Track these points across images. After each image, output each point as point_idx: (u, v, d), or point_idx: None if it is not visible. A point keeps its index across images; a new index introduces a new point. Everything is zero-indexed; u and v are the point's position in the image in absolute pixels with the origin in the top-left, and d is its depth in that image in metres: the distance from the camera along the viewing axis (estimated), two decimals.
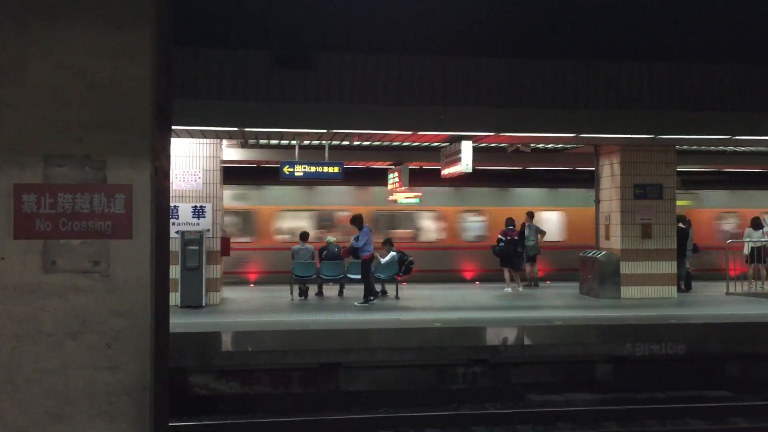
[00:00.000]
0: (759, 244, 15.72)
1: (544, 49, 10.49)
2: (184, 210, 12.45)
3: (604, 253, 14.15)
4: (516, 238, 15.29)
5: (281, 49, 10.21)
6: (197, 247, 12.11)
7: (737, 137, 12.87)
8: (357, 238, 13.32)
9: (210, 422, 8.44)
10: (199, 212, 12.43)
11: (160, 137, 4.09)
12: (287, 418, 8.52)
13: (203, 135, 12.15)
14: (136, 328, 3.80)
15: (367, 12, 8.86)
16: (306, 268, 13.89)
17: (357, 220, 13.46)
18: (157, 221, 3.94)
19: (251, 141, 14.21)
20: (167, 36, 4.28)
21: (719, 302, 13.79)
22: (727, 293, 14.67)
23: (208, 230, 12.48)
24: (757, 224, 16.40)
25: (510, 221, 15.58)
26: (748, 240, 16.02)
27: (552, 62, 10.91)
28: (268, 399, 9.43)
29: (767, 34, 9.49)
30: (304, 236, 14.61)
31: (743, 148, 16.01)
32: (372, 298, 13.00)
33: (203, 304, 12.25)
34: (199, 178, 12.64)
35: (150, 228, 3.83)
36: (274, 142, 14.47)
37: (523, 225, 15.99)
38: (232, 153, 14.99)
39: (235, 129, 11.36)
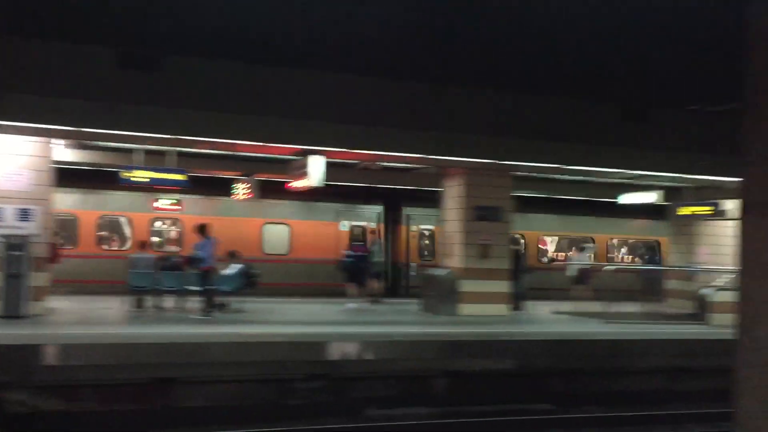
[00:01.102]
0: (583, 267, 16.96)
1: (396, 70, 10.74)
2: (9, 212, 11.48)
3: (445, 271, 14.65)
4: (363, 254, 15.47)
5: (127, 48, 9.74)
6: (21, 253, 11.20)
7: (569, 166, 13.84)
8: (200, 248, 12.88)
9: None
10: (24, 215, 11.50)
11: None
12: None
13: (36, 133, 11.32)
14: None
15: (221, 19, 8.64)
16: (144, 278, 13.26)
17: (202, 229, 12.98)
18: None
19: (90, 143, 13.43)
20: None
21: (547, 320, 14.69)
22: (554, 312, 15.66)
23: (36, 235, 11.58)
24: (581, 247, 17.71)
25: (357, 237, 15.75)
26: (574, 263, 17.25)
27: (402, 84, 11.20)
28: (93, 416, 8.85)
29: (595, 73, 10.28)
30: (143, 245, 13.94)
31: (574, 177, 17.25)
32: (211, 311, 12.60)
33: (26, 315, 11.34)
34: (25, 178, 11.71)
35: None
36: (115, 145, 13.75)
37: (371, 241, 16.23)
38: (69, 154, 14.07)
39: (71, 128, 10.67)
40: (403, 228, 19.59)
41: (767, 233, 6.58)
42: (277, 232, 18.45)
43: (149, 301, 13.50)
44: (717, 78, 9.51)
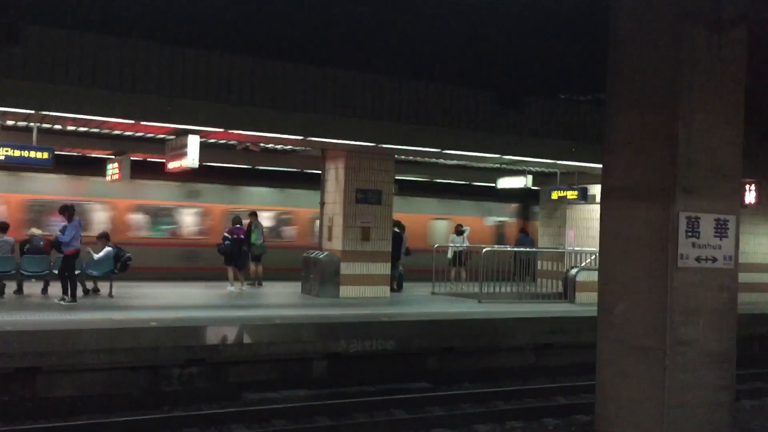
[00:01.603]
0: (460, 249, 17.48)
1: (275, 50, 10.57)
2: None
3: (326, 254, 14.66)
4: (242, 237, 15.21)
5: None
6: None
7: (446, 150, 14.17)
8: (63, 231, 12.18)
9: None
10: None
11: None
12: None
13: None
14: None
15: None
16: (4, 262, 12.42)
17: (68, 210, 12.25)
18: None
19: None
20: None
21: (426, 301, 15.04)
22: (433, 293, 16.06)
23: None
24: (459, 231, 18.24)
25: (237, 220, 15.46)
26: (451, 245, 17.73)
27: (280, 65, 11.05)
28: None
29: (472, 60, 10.56)
30: (3, 227, 13.03)
31: (451, 162, 17.70)
32: (71, 297, 11.92)
33: None
34: None
35: None
36: None
37: (250, 224, 15.97)
38: None
39: None
40: None
41: (624, 217, 7.04)
42: None
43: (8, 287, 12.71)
44: (586, 68, 10.01)
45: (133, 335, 9.65)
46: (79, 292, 12.52)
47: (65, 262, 11.99)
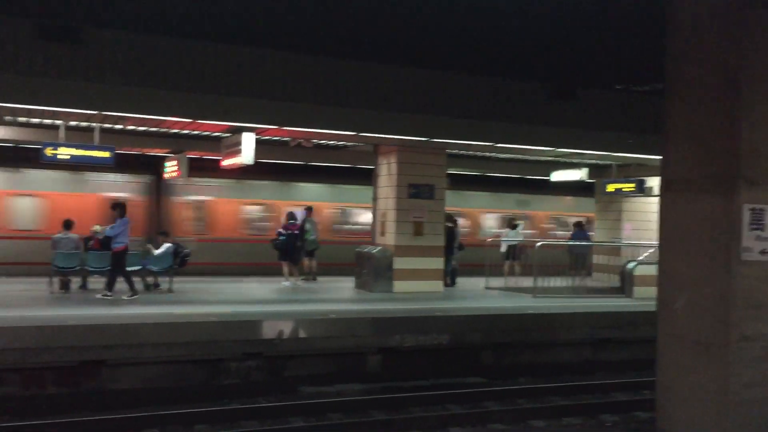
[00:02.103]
0: (514, 243, 17.33)
1: (324, 47, 10.63)
2: None
3: (379, 248, 14.72)
4: (296, 232, 15.39)
5: (46, 19, 9.32)
6: None
7: (499, 144, 14.05)
8: (113, 227, 12.25)
9: None
10: None
11: None
12: (39, 420, 7.81)
13: None
14: None
15: None
16: (69, 258, 12.85)
17: (119, 207, 12.40)
18: None
19: (7, 118, 12.85)
20: None
21: (479, 296, 14.97)
22: (486, 288, 15.97)
23: None
24: (513, 225, 18.08)
25: (291, 215, 15.65)
26: (505, 239, 17.59)
27: (333, 61, 11.11)
28: (16, 401, 8.58)
29: (525, 52, 10.42)
30: (67, 225, 13.48)
31: (504, 155, 17.52)
32: (112, 292, 12.16)
33: None
34: None
35: None
36: (35, 121, 13.21)
37: (304, 220, 16.15)
38: None
39: None
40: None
41: (684, 209, 6.87)
42: None
43: (75, 282, 13.14)
44: (643, 59, 9.77)
45: (192, 329, 9.88)
46: (141, 287, 12.87)
47: (114, 259, 12.21)
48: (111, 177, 16.59)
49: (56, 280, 12.88)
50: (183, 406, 8.61)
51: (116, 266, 12.22)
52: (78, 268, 12.98)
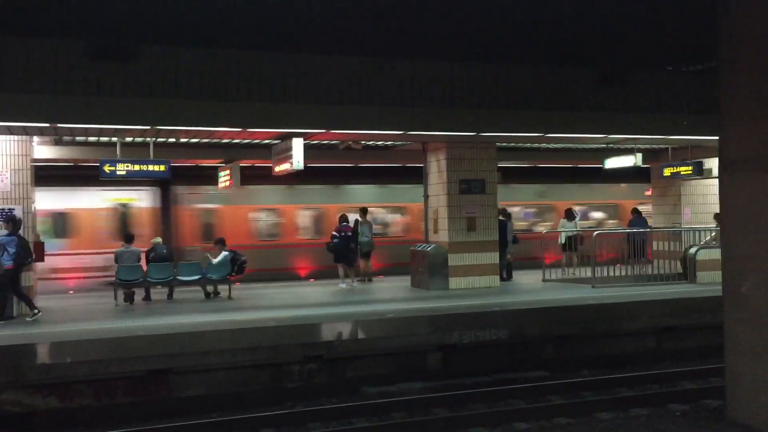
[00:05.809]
0: (572, 234, 17.05)
1: (375, 46, 10.67)
2: None
3: (433, 246, 14.68)
4: (350, 234, 15.47)
5: (98, 40, 9.60)
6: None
7: (549, 134, 13.84)
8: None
9: None
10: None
11: None
12: (112, 430, 8.05)
13: (9, 131, 11.20)
14: None
15: (194, 5, 8.52)
16: (132, 271, 13.20)
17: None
18: None
19: (66, 138, 13.27)
20: None
21: (537, 289, 14.79)
22: (544, 280, 15.77)
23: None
24: (570, 215, 17.79)
25: (344, 218, 15.74)
26: (562, 230, 17.33)
27: (378, 60, 11.15)
28: (90, 412, 8.87)
29: (572, 38, 10.26)
30: (129, 238, 13.85)
31: (555, 145, 17.27)
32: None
33: (14, 315, 11.30)
34: (6, 178, 11.62)
35: None
36: (92, 139, 13.61)
37: (357, 222, 16.22)
38: (44, 151, 13.92)
39: (46, 125, 10.56)
40: None
41: (746, 190, 6.66)
42: None
43: (137, 294, 13.49)
44: (693, 37, 9.51)
45: (253, 335, 10.03)
46: (201, 295, 13.14)
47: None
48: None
49: (120, 292, 13.24)
50: (248, 411, 8.76)
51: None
52: (141, 280, 13.32)
